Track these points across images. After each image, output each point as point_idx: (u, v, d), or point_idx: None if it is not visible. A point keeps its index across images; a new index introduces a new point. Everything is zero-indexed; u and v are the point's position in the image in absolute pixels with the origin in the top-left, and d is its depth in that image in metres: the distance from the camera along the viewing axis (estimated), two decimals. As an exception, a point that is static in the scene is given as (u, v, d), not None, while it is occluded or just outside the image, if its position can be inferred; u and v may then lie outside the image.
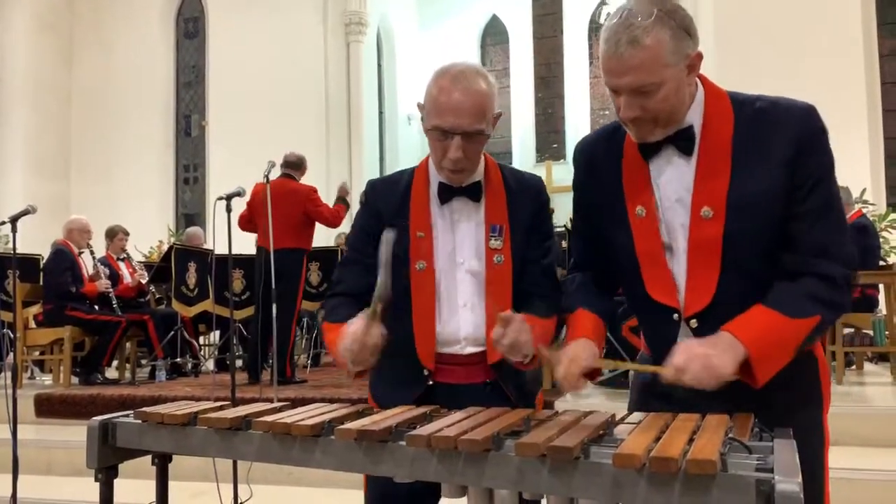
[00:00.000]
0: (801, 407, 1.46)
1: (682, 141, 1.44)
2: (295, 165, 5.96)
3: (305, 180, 6.04)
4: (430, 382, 1.74)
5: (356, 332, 1.57)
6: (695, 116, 1.45)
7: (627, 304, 1.63)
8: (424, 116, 1.73)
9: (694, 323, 1.45)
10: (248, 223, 5.85)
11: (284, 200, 5.54)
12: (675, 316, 1.47)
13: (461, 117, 1.64)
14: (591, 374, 1.49)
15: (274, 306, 4.58)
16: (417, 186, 1.80)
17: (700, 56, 1.41)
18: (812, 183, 1.39)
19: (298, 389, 5.29)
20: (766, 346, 1.33)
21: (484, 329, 1.73)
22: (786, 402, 1.43)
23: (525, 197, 1.80)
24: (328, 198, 6.34)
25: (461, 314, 1.75)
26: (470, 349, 1.75)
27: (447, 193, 1.76)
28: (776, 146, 1.40)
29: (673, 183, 1.46)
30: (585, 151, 1.63)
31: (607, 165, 1.54)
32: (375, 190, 1.85)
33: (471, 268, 1.75)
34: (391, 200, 1.80)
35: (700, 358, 1.30)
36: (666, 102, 1.38)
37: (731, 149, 1.42)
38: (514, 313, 1.55)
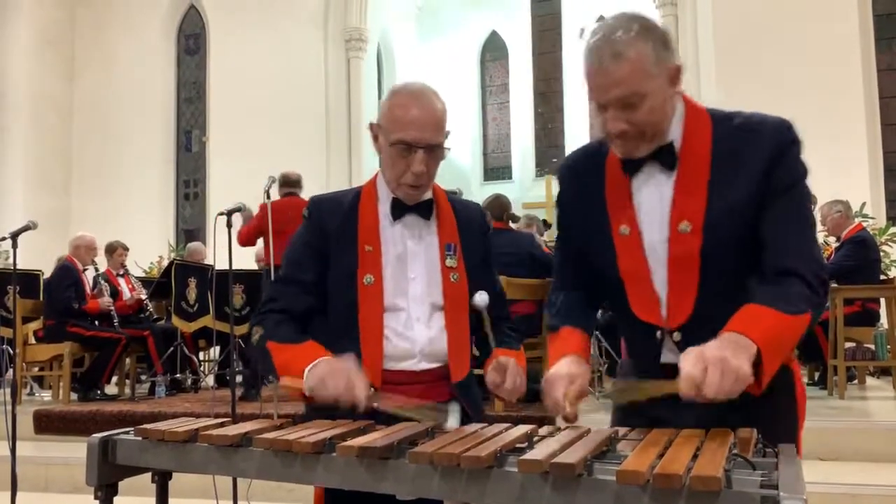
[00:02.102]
0: (781, 419, 1.45)
1: (665, 156, 1.46)
2: (298, 184, 6.10)
3: (304, 196, 6.06)
4: (375, 404, 1.59)
5: (355, 371, 1.56)
6: (675, 132, 1.46)
7: (615, 316, 1.64)
8: (381, 135, 1.73)
9: (677, 336, 1.47)
10: (254, 238, 5.86)
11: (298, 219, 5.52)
12: (658, 333, 1.49)
13: (424, 131, 1.67)
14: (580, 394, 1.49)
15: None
16: (366, 203, 1.79)
17: (679, 69, 1.43)
18: (782, 189, 1.42)
19: (299, 406, 5.26)
20: (773, 342, 1.30)
21: (443, 345, 1.74)
22: (767, 414, 1.39)
23: (472, 222, 1.85)
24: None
25: (416, 329, 1.73)
26: (425, 364, 1.73)
27: (399, 210, 1.76)
28: (751, 159, 1.42)
29: (654, 199, 1.48)
30: (570, 169, 1.64)
31: (591, 183, 1.55)
32: (320, 206, 1.82)
33: (423, 283, 1.75)
34: (337, 216, 1.78)
35: (716, 364, 1.22)
36: (652, 115, 1.40)
37: (709, 164, 1.44)
38: (507, 359, 1.65)
